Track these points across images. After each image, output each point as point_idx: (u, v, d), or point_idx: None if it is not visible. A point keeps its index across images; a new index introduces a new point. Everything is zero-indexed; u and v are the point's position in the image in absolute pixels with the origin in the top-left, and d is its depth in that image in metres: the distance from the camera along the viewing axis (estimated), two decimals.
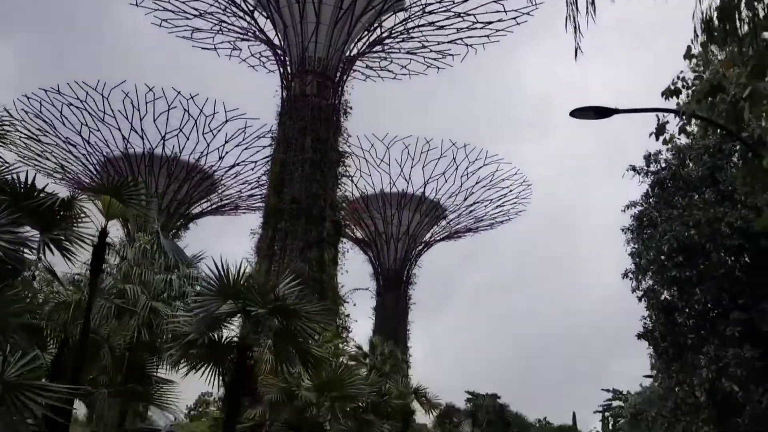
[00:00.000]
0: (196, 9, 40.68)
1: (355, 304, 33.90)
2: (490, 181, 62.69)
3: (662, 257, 14.56)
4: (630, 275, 15.68)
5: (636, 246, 15.90)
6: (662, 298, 14.05)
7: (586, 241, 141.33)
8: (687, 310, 13.46)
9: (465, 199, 64.11)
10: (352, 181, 62.43)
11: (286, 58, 36.14)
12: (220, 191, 55.15)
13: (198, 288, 12.84)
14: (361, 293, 65.72)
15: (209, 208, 56.29)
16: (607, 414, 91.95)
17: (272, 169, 34.71)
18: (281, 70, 36.42)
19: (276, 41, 36.99)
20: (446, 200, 64.03)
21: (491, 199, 64.87)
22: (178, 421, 31.40)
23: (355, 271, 69.85)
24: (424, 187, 62.45)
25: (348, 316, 33.27)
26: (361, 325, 56.44)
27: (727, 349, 11.86)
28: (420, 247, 67.60)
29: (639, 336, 14.86)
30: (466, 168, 61.25)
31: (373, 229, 65.19)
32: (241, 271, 10.48)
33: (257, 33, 38.47)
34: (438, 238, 68.98)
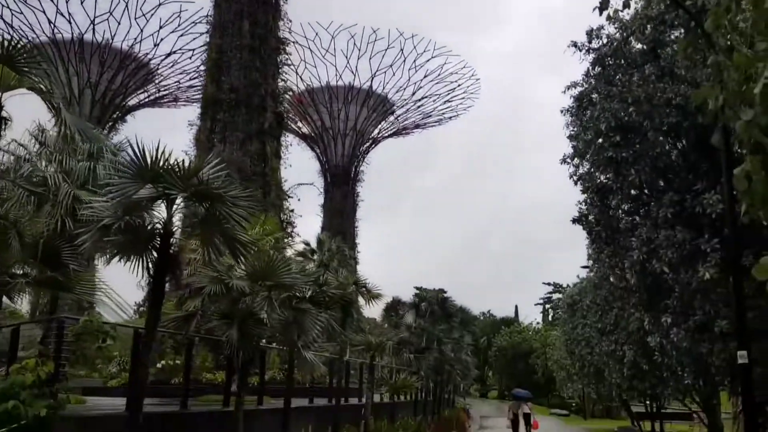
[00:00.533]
0: None
1: (299, 199, 33.34)
2: (438, 74, 61.56)
3: (600, 139, 14.07)
4: (568, 160, 15.20)
5: (574, 129, 15.28)
6: (598, 181, 13.63)
7: (536, 137, 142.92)
8: (621, 193, 13.08)
9: (413, 94, 63.00)
10: (296, 72, 60.93)
11: None
12: (157, 81, 52.38)
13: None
14: (310, 191, 65.53)
15: (146, 100, 53.59)
16: (547, 306, 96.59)
17: (209, 56, 32.65)
18: None
19: None
20: (394, 95, 62.82)
21: (439, 94, 63.96)
22: (129, 317, 30.99)
23: (302, 168, 69.08)
24: (372, 81, 60.92)
25: (293, 211, 32.68)
26: (308, 222, 56.39)
27: (659, 231, 11.62)
28: (368, 144, 66.77)
29: (574, 221, 14.62)
30: (414, 60, 59.81)
31: (320, 124, 63.75)
32: (160, 153, 9.57)
33: None
34: (386, 135, 68.14)
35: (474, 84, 64.17)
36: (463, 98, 65.60)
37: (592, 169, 13.99)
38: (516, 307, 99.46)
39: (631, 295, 13.43)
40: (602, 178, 13.30)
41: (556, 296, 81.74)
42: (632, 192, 13.20)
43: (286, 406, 13.55)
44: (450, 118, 69.80)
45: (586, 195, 13.66)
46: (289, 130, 34.21)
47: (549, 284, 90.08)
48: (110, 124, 51.35)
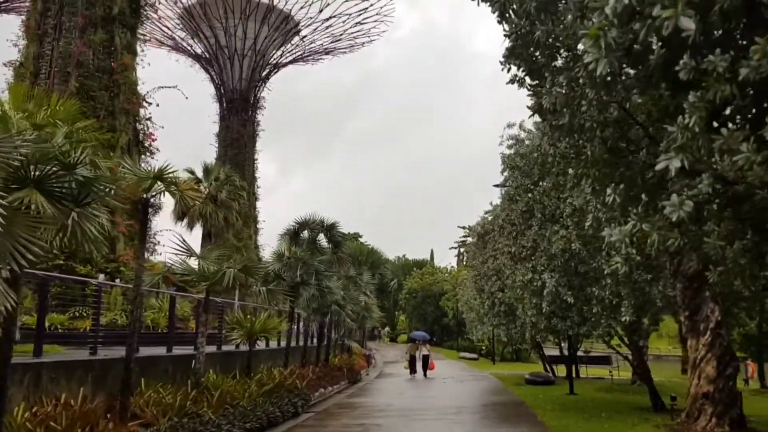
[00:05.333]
0: None
1: (158, 105, 27.15)
2: None
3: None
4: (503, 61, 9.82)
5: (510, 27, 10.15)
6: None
7: (464, 79, 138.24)
8: None
9: (320, 12, 56.59)
10: None
11: None
12: None
13: None
14: (206, 120, 58.59)
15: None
16: (462, 250, 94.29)
17: None
18: None
19: None
20: (298, 11, 56.19)
21: (350, 14, 57.84)
22: None
23: (196, 92, 61.88)
24: None
25: (150, 119, 26.61)
26: (203, 152, 49.93)
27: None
28: (270, 68, 60.20)
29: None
30: None
31: (214, 42, 56.57)
32: None
33: None
34: (290, 59, 61.62)
35: (388, 5, 58.39)
36: (376, 21, 59.80)
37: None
38: (431, 251, 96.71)
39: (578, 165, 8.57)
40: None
41: (470, 240, 79.30)
42: None
43: None
44: (363, 43, 63.96)
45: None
46: (148, 19, 27.76)
47: (464, 228, 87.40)
48: None
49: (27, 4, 42.71)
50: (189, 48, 58.62)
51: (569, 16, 5.00)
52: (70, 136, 13.61)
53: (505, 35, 6.21)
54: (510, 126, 17.36)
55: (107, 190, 9.53)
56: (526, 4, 5.70)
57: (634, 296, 13.27)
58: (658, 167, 4.20)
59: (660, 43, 4.33)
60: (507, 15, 6.07)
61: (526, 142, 17.07)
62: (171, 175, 11.22)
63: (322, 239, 23.99)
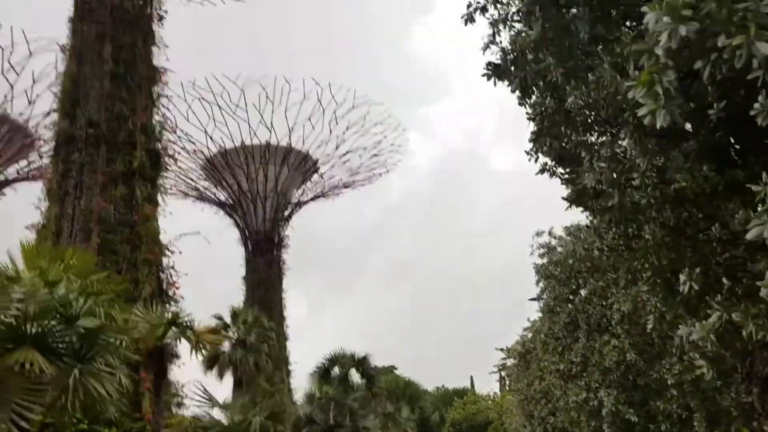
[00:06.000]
0: None
1: (181, 252, 26.94)
2: (362, 126, 57.06)
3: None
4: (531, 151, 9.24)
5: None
6: None
7: (485, 209, 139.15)
8: None
9: (337, 148, 58.14)
10: (206, 133, 55.54)
11: None
12: (38, 148, 45.91)
13: None
14: (232, 265, 58.95)
15: (26, 171, 46.95)
16: (503, 373, 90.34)
17: (63, 88, 26.94)
18: None
19: None
20: (316, 150, 57.77)
21: (365, 148, 59.33)
22: None
23: (221, 238, 62.67)
24: (290, 136, 55.77)
25: (174, 268, 26.33)
26: (230, 296, 49.60)
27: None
28: (292, 207, 61.14)
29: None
30: (334, 111, 55.13)
31: (237, 188, 57.93)
32: None
33: None
34: (312, 196, 62.70)
35: (401, 135, 60.00)
36: (391, 151, 61.20)
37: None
38: (471, 378, 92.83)
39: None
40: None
41: (510, 362, 75.97)
42: None
43: None
44: (380, 174, 65.15)
45: None
46: (166, 169, 28.26)
47: (502, 349, 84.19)
48: None
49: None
50: (213, 196, 60.13)
51: (606, 75, 4.36)
52: (85, 289, 13.08)
53: (528, 118, 5.60)
54: (539, 234, 16.66)
55: (116, 341, 8.78)
56: (551, 74, 5.11)
57: (704, 407, 11.78)
58: (750, 235, 3.36)
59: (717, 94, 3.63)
60: (530, 91, 5.49)
61: (559, 249, 16.24)
62: (186, 319, 10.48)
63: (355, 375, 22.70)
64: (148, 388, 22.96)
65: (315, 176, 60.94)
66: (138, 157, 26.06)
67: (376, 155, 60.74)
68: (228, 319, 43.86)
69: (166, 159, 28.86)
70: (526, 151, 5.92)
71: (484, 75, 7.34)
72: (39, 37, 38.54)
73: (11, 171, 46.18)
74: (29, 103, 41.93)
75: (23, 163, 46.71)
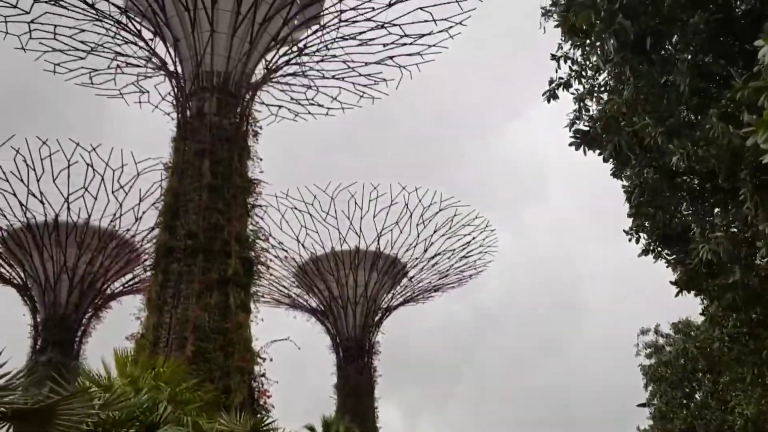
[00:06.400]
0: (86, 43, 35.53)
1: (272, 360, 26.83)
2: (450, 228, 56.98)
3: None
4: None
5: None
6: None
7: (584, 309, 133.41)
8: None
9: (425, 251, 58.04)
10: (298, 240, 57.07)
11: (180, 75, 30.75)
12: (143, 261, 48.39)
13: None
14: (322, 366, 58.56)
15: (131, 284, 49.32)
16: None
17: (164, 202, 28.50)
18: (175, 90, 30.93)
19: (168, 59, 31.71)
20: (404, 254, 57.88)
21: (453, 250, 58.92)
22: None
23: (312, 344, 62.77)
24: (378, 241, 56.36)
25: (264, 376, 26.22)
26: (323, 405, 48.88)
27: None
28: (382, 312, 60.83)
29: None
30: (422, 215, 55.52)
31: (327, 294, 58.48)
32: None
33: (151, 57, 33.17)
34: (401, 300, 62.27)
35: (490, 236, 59.37)
36: (480, 252, 60.47)
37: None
38: None
39: None
40: None
41: None
42: None
43: None
44: (470, 276, 64.27)
45: None
46: (258, 275, 28.82)
47: None
48: (90, 312, 46.77)
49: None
50: (305, 303, 60.85)
51: (715, 126, 3.91)
52: (174, 397, 13.02)
53: (625, 191, 5.14)
54: (644, 332, 15.46)
55: None
56: (650, 136, 4.68)
57: None
58: None
59: None
60: (626, 157, 5.06)
61: (668, 348, 14.96)
62: (270, 427, 10.14)
63: None
64: None
65: (404, 280, 60.82)
66: (232, 265, 26.76)
67: (465, 257, 60.21)
68: (319, 429, 43.30)
69: (259, 266, 29.49)
70: (625, 231, 5.40)
71: (571, 144, 6.97)
72: (146, 158, 41.58)
73: (117, 285, 48.62)
74: (135, 219, 44.60)
75: (129, 276, 49.13)
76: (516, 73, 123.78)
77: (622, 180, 5.88)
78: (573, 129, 6.40)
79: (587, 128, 6.45)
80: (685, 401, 14.35)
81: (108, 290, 47.97)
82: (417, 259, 58.48)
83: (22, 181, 41.47)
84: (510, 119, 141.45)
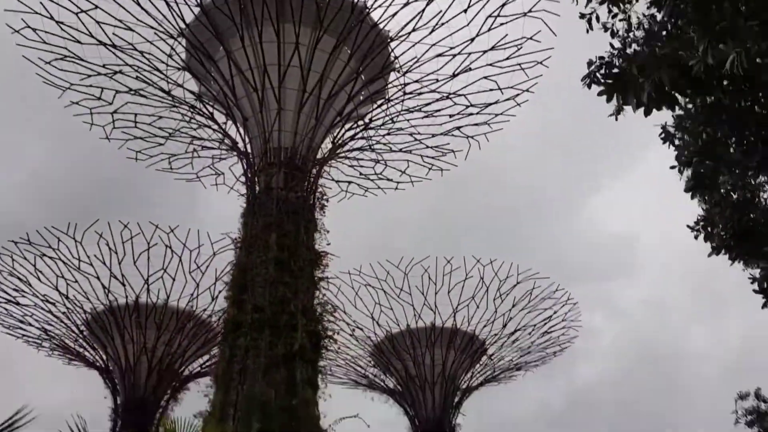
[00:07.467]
0: (163, 129, 37.25)
1: None
2: (529, 302, 54.62)
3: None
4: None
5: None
6: None
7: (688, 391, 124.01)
8: None
9: (504, 327, 55.65)
10: (372, 318, 56.04)
11: (249, 153, 31.48)
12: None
13: None
14: None
15: (208, 365, 49.43)
16: None
17: (232, 277, 28.56)
18: (244, 167, 31.64)
19: (238, 138, 32.62)
20: (482, 330, 55.71)
21: (534, 325, 56.25)
22: None
23: (391, 425, 60.43)
24: (454, 317, 54.61)
25: None
26: None
27: None
28: (462, 393, 58.27)
29: None
30: (498, 288, 53.59)
31: (404, 374, 56.71)
32: None
33: (224, 138, 34.28)
34: (481, 380, 59.55)
35: (573, 309, 56.52)
36: (563, 327, 57.54)
37: None
38: None
39: None
40: None
41: None
42: None
43: None
44: (554, 353, 61.02)
45: None
46: (325, 348, 27.98)
47: None
48: (168, 394, 47.01)
49: None
50: (382, 383, 59.20)
51: None
52: None
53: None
54: (743, 398, 13.59)
55: None
56: (697, 50, 3.76)
57: None
58: None
59: None
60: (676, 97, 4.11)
61: None
62: None
63: None
64: None
65: (483, 358, 58.38)
66: (298, 339, 26.17)
67: (547, 332, 57.37)
68: None
69: (328, 341, 28.78)
70: (689, 226, 4.37)
71: (601, 93, 5.82)
72: (222, 237, 42.36)
73: (195, 366, 48.88)
74: (212, 299, 45.12)
75: (206, 357, 49.38)
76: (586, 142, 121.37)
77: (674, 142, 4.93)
78: (599, 64, 5.34)
79: (617, 69, 5.38)
80: None
81: (186, 372, 48.23)
82: (496, 335, 56.17)
83: (104, 263, 42.99)
84: (588, 192, 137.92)
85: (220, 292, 44.92)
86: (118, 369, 45.04)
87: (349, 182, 39.95)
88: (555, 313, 55.82)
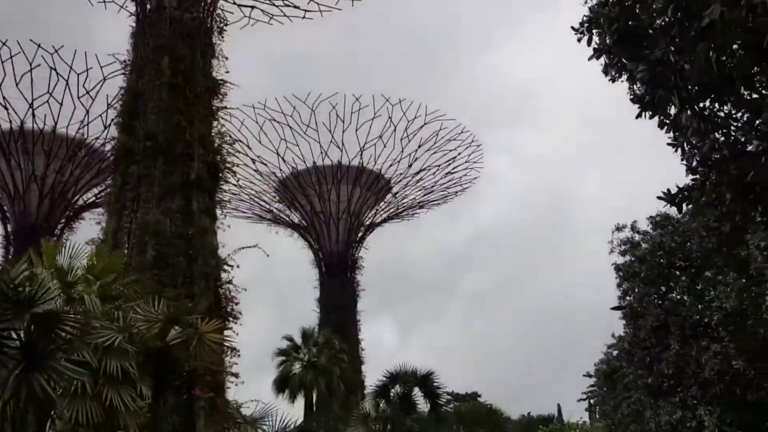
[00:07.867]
0: None
1: (239, 266, 25.83)
2: (435, 143, 55.42)
3: None
4: None
5: None
6: None
7: (574, 229, 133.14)
8: None
9: (409, 167, 56.67)
10: (278, 153, 55.44)
11: None
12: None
13: None
14: (305, 282, 58.10)
15: (103, 195, 47.82)
16: (592, 400, 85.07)
17: (123, 102, 26.81)
18: None
19: None
20: (388, 169, 56.57)
21: (439, 165, 57.56)
22: None
23: (294, 260, 62.07)
24: (361, 155, 54.87)
25: (231, 282, 25.26)
26: (305, 319, 48.40)
27: None
28: (365, 229, 60.04)
29: None
30: (406, 129, 53.80)
31: (309, 209, 57.45)
32: None
33: None
34: (385, 216, 61.36)
35: (476, 151, 57.86)
36: (465, 168, 59.14)
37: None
38: (558, 405, 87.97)
39: None
40: None
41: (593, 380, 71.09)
42: None
43: None
44: (456, 193, 63.04)
45: None
46: (225, 180, 27.51)
47: (589, 375, 79.28)
48: (62, 223, 45.62)
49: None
50: (287, 219, 59.86)
51: None
52: (106, 290, 12.01)
53: None
54: (619, 229, 14.42)
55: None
56: None
57: None
58: None
59: None
60: None
61: (644, 245, 13.93)
62: (192, 317, 9.05)
63: (418, 395, 20.70)
64: (202, 406, 21.93)
65: (388, 196, 59.77)
66: (195, 169, 25.39)
67: (450, 173, 58.93)
68: (299, 341, 43.08)
69: (227, 172, 28.12)
70: (572, 27, 3.98)
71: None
72: (113, 61, 39.28)
73: (90, 196, 47.25)
74: (104, 127, 42.74)
75: (102, 187, 47.70)
76: None
77: None
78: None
79: None
80: (660, 302, 13.47)
81: (80, 201, 46.65)
82: (401, 174, 57.26)
83: None
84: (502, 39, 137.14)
85: (112, 120, 42.55)
86: (7, 195, 42.95)
87: (253, 6, 37.20)
88: (459, 154, 57.11)
